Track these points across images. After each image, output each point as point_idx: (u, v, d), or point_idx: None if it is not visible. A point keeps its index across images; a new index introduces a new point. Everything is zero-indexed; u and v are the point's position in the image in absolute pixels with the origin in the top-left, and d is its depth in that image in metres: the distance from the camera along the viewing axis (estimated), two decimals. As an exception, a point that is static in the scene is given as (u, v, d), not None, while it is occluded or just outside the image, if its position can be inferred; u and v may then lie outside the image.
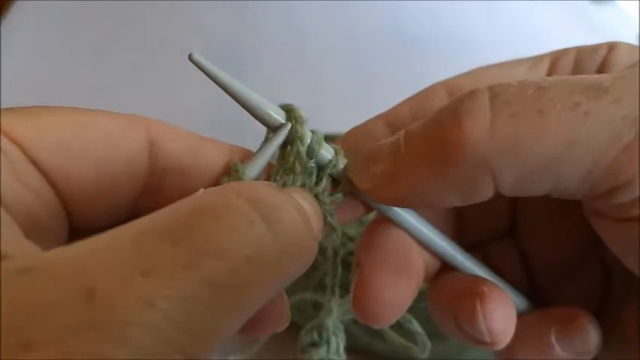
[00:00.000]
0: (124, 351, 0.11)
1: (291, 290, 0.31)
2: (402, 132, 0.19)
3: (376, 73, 0.69)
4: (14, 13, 0.76)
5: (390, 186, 0.19)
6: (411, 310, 0.24)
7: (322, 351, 0.25)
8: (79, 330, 0.11)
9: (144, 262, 0.12)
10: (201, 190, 0.16)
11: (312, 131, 0.20)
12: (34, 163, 0.17)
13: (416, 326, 0.26)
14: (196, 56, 0.17)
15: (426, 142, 0.18)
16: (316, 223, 0.18)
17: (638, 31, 0.77)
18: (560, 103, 0.16)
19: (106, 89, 0.63)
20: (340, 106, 0.62)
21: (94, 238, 0.13)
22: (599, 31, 0.78)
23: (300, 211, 0.17)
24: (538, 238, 0.24)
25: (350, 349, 0.37)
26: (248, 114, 0.19)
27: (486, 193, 0.18)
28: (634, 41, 0.74)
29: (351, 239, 0.36)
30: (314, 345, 0.26)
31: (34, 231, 0.16)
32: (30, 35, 0.73)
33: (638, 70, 0.17)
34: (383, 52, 0.73)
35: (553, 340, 0.21)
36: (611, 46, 0.22)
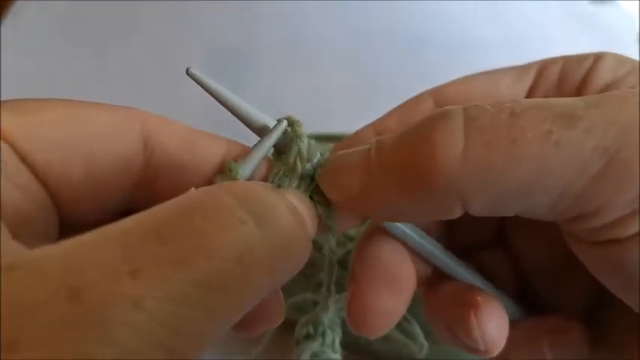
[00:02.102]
0: (110, 351, 0.11)
1: (292, 291, 0.31)
2: (374, 143, 0.18)
3: (376, 74, 0.69)
4: (14, 13, 0.76)
5: (360, 200, 0.19)
6: (413, 312, 0.24)
7: (316, 344, 0.25)
8: (65, 329, 0.11)
9: (131, 261, 0.12)
10: (192, 190, 0.16)
11: (307, 137, 0.20)
12: (23, 158, 0.16)
13: (415, 328, 0.26)
14: (193, 70, 0.18)
15: (397, 163, 0.17)
16: (310, 223, 0.18)
17: (638, 31, 0.77)
18: (532, 132, 0.16)
19: (107, 89, 0.63)
20: (340, 107, 0.62)
21: (80, 237, 0.13)
22: (599, 31, 0.78)
23: (293, 212, 0.17)
24: (530, 244, 0.24)
25: (350, 348, 0.37)
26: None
27: (454, 214, 0.18)
28: (634, 41, 0.73)
29: (351, 239, 0.36)
30: (309, 337, 0.26)
31: (23, 228, 0.15)
32: (30, 35, 0.73)
33: (610, 97, 0.17)
34: (383, 52, 0.73)
35: (546, 349, 0.22)
36: (598, 57, 0.22)
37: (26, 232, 0.15)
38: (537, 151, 0.16)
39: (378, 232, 0.22)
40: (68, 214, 0.18)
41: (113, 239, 0.13)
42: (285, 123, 0.19)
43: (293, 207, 0.17)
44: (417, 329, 0.26)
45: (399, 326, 0.26)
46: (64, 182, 0.17)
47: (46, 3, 0.78)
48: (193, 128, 0.20)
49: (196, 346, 0.13)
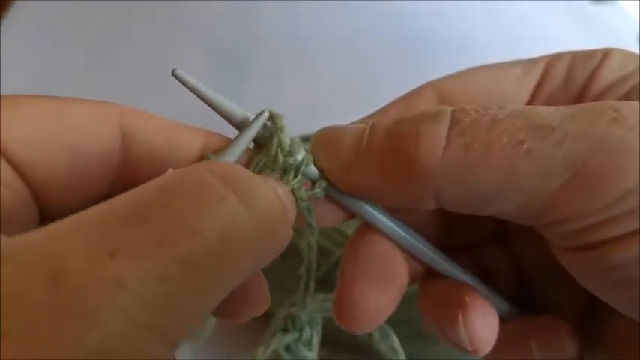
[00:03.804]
0: (95, 334, 0.11)
1: (293, 290, 0.31)
2: (370, 125, 0.20)
3: (376, 74, 0.69)
4: (14, 13, 0.76)
5: (345, 173, 0.20)
6: (414, 309, 0.24)
7: (290, 337, 0.25)
8: (47, 316, 0.11)
9: (111, 243, 0.12)
10: (170, 170, 0.15)
11: (300, 138, 0.20)
12: (5, 154, 0.16)
13: (395, 344, 0.27)
14: (178, 71, 0.18)
15: (385, 147, 0.19)
16: (291, 210, 0.18)
17: (638, 31, 0.77)
18: (507, 139, 0.17)
19: (106, 89, 0.63)
20: (340, 107, 0.62)
21: (58, 223, 0.12)
22: (599, 31, 0.78)
23: (275, 193, 0.17)
24: (528, 241, 0.24)
25: (350, 347, 0.37)
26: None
27: (428, 205, 0.19)
28: (634, 41, 0.73)
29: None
30: (285, 330, 0.25)
31: (6, 224, 0.15)
32: (30, 35, 0.73)
33: (586, 110, 0.17)
34: (383, 52, 0.73)
35: (533, 348, 0.22)
36: (605, 53, 0.22)
37: (9, 228, 0.15)
38: (508, 158, 0.17)
39: (370, 229, 0.22)
40: (49, 208, 0.18)
41: (91, 223, 0.13)
42: (266, 113, 0.19)
43: (276, 188, 0.17)
44: (398, 346, 0.27)
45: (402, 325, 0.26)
46: (43, 176, 0.17)
47: (46, 3, 0.78)
48: (171, 121, 0.20)
49: (182, 326, 0.13)
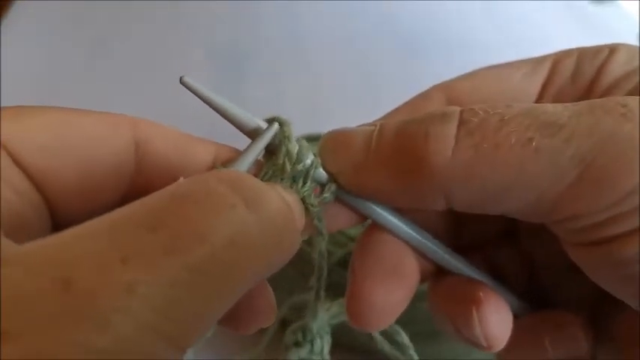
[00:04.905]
0: (105, 337, 0.11)
1: (292, 291, 0.31)
2: (378, 126, 0.20)
3: (376, 74, 0.69)
4: (14, 13, 0.76)
5: (354, 175, 0.20)
6: (417, 309, 0.24)
7: (304, 351, 0.25)
8: (57, 319, 0.11)
9: (121, 250, 0.12)
10: (181, 179, 0.16)
11: (297, 139, 0.20)
12: (17, 162, 0.16)
13: (404, 339, 0.27)
14: (186, 79, 0.18)
15: (394, 149, 0.19)
16: (299, 219, 0.19)
17: (638, 31, 0.77)
18: (515, 138, 0.17)
19: (106, 89, 0.63)
20: (340, 107, 0.62)
21: (69, 230, 0.13)
22: (599, 31, 0.78)
23: (282, 200, 0.17)
24: (538, 238, 0.24)
25: (349, 348, 0.37)
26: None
27: (438, 206, 0.19)
28: (634, 41, 0.73)
29: (352, 239, 0.36)
30: (297, 344, 0.26)
31: (17, 231, 0.15)
32: (30, 35, 0.73)
33: (593, 106, 0.17)
34: (383, 52, 0.73)
35: (547, 344, 0.22)
36: (612, 49, 0.22)
37: (21, 234, 0.15)
38: (517, 157, 0.17)
39: (379, 228, 0.22)
40: (61, 218, 0.18)
41: (102, 230, 0.13)
42: (276, 126, 0.19)
43: (284, 197, 0.17)
44: (406, 341, 0.26)
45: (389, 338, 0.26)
46: (57, 185, 0.17)
47: (46, 3, 0.78)
48: (183, 132, 0.20)
49: (192, 332, 0.13)
